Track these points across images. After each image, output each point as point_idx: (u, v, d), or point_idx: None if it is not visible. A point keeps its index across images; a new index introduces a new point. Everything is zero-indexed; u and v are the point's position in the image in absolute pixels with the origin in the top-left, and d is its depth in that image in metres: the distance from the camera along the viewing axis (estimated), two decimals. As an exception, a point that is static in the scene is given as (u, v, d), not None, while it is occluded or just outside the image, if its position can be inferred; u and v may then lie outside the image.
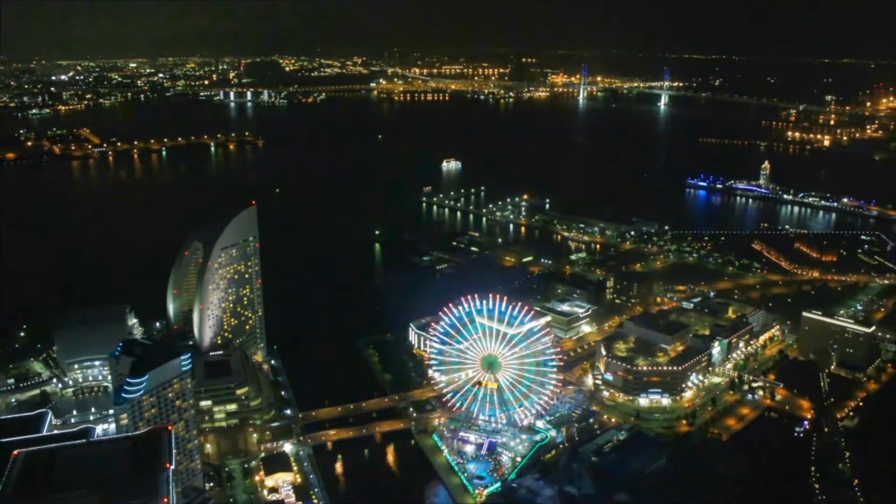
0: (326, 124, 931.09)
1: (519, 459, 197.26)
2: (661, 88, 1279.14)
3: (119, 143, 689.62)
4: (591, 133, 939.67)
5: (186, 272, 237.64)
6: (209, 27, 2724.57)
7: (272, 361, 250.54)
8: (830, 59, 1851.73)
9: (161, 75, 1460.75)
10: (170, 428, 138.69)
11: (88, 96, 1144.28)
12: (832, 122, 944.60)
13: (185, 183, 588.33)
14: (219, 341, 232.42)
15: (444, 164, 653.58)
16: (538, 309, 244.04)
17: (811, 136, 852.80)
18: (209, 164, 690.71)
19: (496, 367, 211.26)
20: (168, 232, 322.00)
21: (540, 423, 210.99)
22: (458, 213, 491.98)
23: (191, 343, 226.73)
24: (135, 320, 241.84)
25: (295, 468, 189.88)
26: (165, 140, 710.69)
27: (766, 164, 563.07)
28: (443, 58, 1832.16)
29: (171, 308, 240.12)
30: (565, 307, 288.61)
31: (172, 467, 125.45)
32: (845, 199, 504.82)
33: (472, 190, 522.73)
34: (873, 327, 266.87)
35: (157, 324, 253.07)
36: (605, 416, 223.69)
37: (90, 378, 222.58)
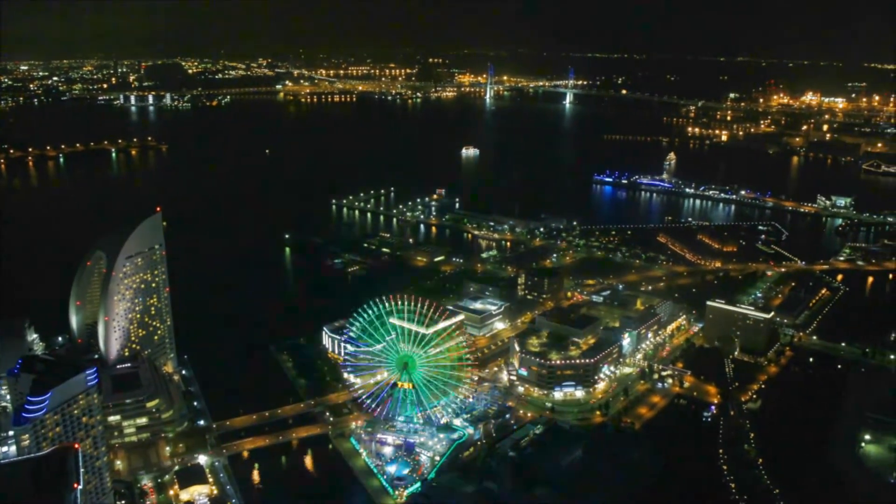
0: (232, 127, 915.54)
1: (438, 458, 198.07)
2: (566, 87, 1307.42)
3: (12, 151, 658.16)
4: (497, 131, 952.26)
5: (89, 283, 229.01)
6: (106, 28, 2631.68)
7: (183, 371, 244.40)
8: (726, 57, 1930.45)
9: (56, 78, 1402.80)
10: (76, 446, 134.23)
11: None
12: (729, 118, 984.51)
13: (86, 190, 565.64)
14: (126, 353, 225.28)
15: (464, 150, 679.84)
16: (451, 308, 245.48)
17: (710, 131, 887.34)
18: (110, 171, 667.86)
19: (411, 367, 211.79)
20: (68, 242, 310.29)
21: (457, 421, 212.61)
22: (368, 215, 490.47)
23: (96, 357, 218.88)
24: (35, 335, 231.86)
25: (210, 480, 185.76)
26: (63, 146, 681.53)
27: (672, 154, 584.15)
28: (349, 58, 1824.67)
29: (73, 321, 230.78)
30: (478, 305, 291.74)
31: (80, 487, 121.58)
32: (743, 192, 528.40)
33: (382, 191, 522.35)
34: (772, 313, 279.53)
35: (60, 338, 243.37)
36: (521, 411, 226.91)
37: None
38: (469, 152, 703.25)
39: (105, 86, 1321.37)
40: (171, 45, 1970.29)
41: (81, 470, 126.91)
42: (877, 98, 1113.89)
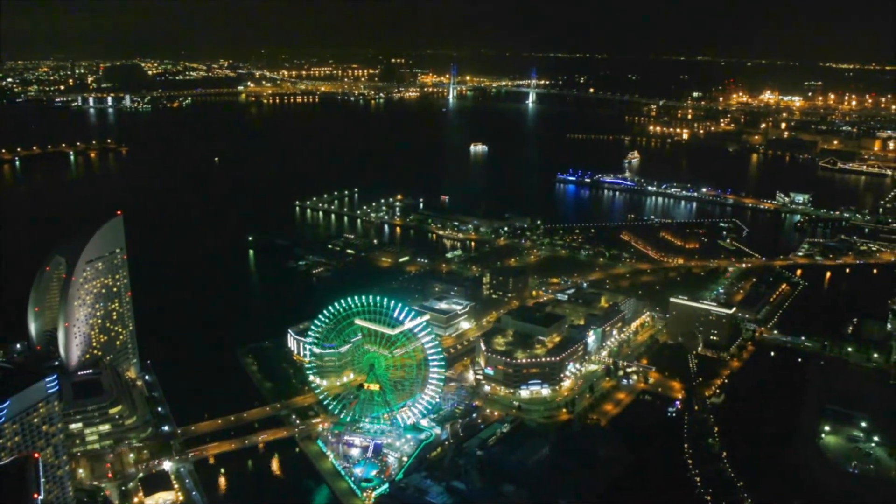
0: (193, 129, 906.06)
1: (405, 459, 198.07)
2: (528, 87, 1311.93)
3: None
4: (462, 132, 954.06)
5: (48, 289, 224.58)
6: (63, 28, 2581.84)
7: (146, 377, 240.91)
8: (686, 56, 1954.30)
9: (10, 80, 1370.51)
10: (36, 456, 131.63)
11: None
12: (690, 117, 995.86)
13: (44, 194, 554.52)
14: (87, 359, 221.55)
15: (472, 146, 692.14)
16: (417, 308, 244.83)
17: (671, 129, 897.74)
18: (69, 174, 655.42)
19: (378, 368, 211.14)
20: (26, 247, 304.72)
21: (424, 422, 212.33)
22: (333, 216, 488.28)
23: (56, 363, 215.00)
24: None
25: (176, 486, 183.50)
26: (18, 149, 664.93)
27: (635, 152, 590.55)
28: (311, 59, 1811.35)
29: (32, 328, 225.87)
30: (443, 305, 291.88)
31: (41, 497, 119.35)
32: (704, 189, 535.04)
33: (346, 192, 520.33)
34: (734, 309, 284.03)
35: (18, 345, 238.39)
36: (488, 410, 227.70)
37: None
38: (477, 148, 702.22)
39: (62, 87, 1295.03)
40: (131, 46, 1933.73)
41: (42, 480, 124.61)
42: (832, 97, 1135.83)
